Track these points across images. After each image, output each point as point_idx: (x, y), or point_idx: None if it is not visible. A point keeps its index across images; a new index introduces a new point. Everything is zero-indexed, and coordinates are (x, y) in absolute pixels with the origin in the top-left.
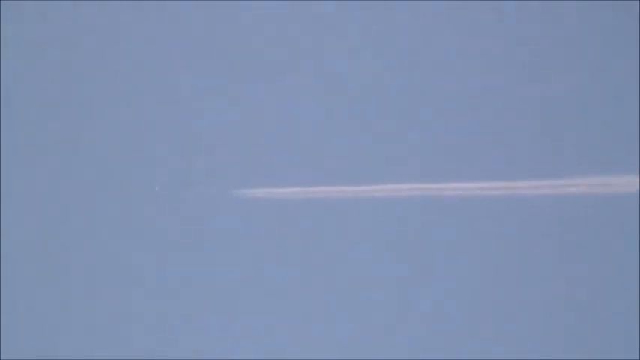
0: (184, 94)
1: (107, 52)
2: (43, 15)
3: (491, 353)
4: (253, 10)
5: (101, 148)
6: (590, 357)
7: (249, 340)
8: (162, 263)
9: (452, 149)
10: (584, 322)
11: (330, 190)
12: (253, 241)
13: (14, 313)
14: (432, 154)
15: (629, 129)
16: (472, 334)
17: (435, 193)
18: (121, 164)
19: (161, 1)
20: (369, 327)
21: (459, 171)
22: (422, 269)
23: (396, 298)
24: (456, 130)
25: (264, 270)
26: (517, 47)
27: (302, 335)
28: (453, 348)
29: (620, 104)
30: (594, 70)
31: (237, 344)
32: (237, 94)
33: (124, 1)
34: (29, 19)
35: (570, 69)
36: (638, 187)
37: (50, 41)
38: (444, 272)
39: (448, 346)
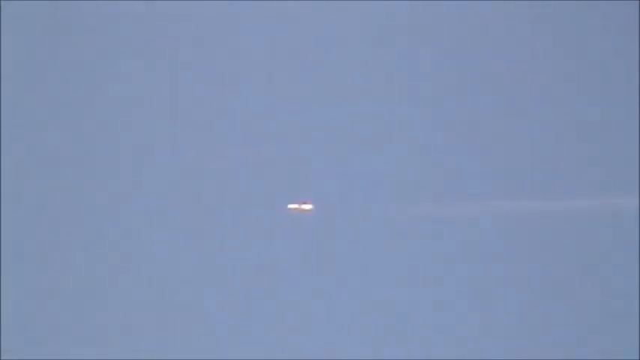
0: (184, 96)
1: (107, 53)
2: (43, 15)
3: (494, 353)
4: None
5: (100, 149)
6: (590, 357)
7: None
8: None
9: (456, 171)
10: (586, 325)
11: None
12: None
13: (14, 313)
14: (438, 176)
15: (629, 149)
16: (477, 335)
17: (444, 214)
18: (119, 165)
19: (162, 2)
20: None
21: (463, 191)
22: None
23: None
24: (456, 152)
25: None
26: (516, 49)
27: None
28: (454, 346)
29: (619, 111)
30: (594, 75)
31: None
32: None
33: (124, 2)
34: (29, 19)
35: (569, 75)
36: (638, 210)
37: (50, 41)
38: (459, 285)
39: (451, 345)
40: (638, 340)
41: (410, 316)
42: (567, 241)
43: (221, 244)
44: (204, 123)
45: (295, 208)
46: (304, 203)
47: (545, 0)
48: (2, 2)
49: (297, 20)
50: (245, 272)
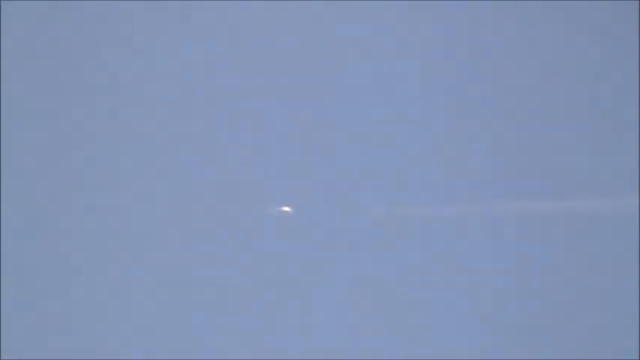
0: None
1: (108, 53)
2: (43, 15)
3: (494, 353)
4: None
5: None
6: (590, 357)
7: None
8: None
9: (459, 171)
10: (586, 325)
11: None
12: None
13: (14, 313)
14: (436, 176)
15: (629, 146)
16: (476, 335)
17: (448, 214)
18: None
19: (162, 2)
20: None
21: (466, 192)
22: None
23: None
24: (459, 153)
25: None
26: (515, 51)
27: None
28: (455, 345)
29: (620, 114)
30: (594, 75)
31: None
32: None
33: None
34: (29, 19)
35: (568, 75)
36: (638, 208)
37: (50, 41)
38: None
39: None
40: (638, 340)
41: (409, 317)
42: (566, 241)
43: (211, 246)
44: (199, 123)
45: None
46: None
47: (545, 0)
48: (2, 2)
49: (294, 20)
50: (236, 274)
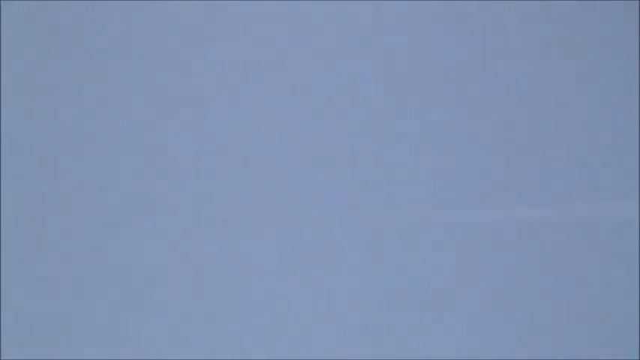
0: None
1: (107, 52)
2: (43, 15)
3: (495, 353)
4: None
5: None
6: (589, 357)
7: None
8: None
9: (458, 176)
10: (586, 326)
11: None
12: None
13: (14, 313)
14: (434, 179)
15: (629, 152)
16: (477, 336)
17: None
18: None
19: (162, 2)
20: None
21: (466, 199)
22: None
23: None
24: (458, 157)
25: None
26: (515, 49)
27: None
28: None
29: (619, 114)
30: (594, 75)
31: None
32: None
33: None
34: (29, 19)
35: (568, 75)
36: (638, 213)
37: (50, 41)
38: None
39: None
40: (638, 341)
41: (410, 319)
42: (567, 245)
43: (208, 245)
44: (196, 122)
45: None
46: None
47: (545, 0)
48: (2, 2)
49: (294, 20)
50: (233, 277)
